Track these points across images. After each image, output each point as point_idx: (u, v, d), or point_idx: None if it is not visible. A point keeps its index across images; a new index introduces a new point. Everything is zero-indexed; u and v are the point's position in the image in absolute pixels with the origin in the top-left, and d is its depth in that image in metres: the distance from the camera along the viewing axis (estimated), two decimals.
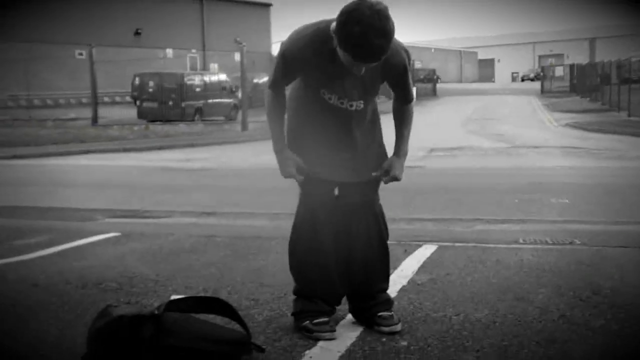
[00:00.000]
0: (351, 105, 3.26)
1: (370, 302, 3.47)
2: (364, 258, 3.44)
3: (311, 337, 3.31)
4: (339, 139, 3.33)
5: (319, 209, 3.36)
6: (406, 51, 3.25)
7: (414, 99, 3.48)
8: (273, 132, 3.34)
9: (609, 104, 31.57)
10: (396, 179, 3.42)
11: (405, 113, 3.46)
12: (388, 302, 3.52)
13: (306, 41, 3.09)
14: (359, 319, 3.52)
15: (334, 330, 3.35)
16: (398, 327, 3.39)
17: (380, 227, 3.50)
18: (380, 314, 3.43)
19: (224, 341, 2.89)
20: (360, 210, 3.42)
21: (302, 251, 3.42)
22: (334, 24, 3.00)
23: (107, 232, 6.32)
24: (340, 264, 3.43)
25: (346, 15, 2.84)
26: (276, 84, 3.26)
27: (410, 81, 3.43)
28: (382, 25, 2.82)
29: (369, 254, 3.45)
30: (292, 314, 3.51)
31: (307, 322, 3.36)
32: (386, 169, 3.40)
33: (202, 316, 3.08)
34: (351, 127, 3.33)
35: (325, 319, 3.37)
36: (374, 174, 3.39)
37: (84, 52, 34.39)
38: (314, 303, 3.41)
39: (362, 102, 3.29)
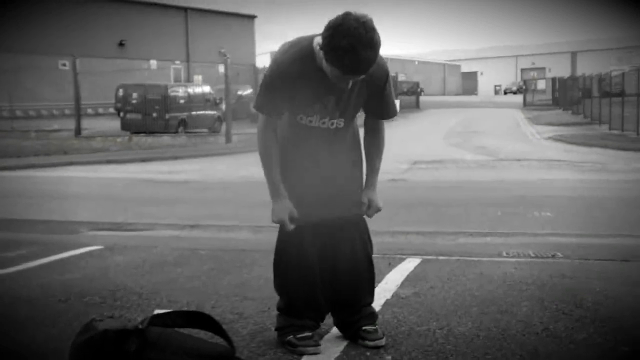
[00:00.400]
0: (332, 124, 3.26)
1: (355, 316, 3.47)
2: (349, 272, 3.43)
3: (295, 351, 3.30)
4: (322, 167, 3.31)
5: (304, 228, 3.34)
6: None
7: (397, 114, 3.49)
8: (268, 177, 3.28)
9: (591, 117, 31.88)
10: (378, 209, 3.47)
11: (380, 135, 3.45)
12: (372, 316, 3.52)
13: (292, 59, 3.10)
14: (344, 333, 3.52)
15: (319, 345, 3.34)
16: (382, 342, 3.40)
17: (364, 241, 3.51)
18: (364, 327, 3.43)
19: (208, 356, 2.87)
20: (345, 226, 3.42)
21: (287, 268, 3.41)
22: (317, 39, 3.03)
23: (90, 245, 6.29)
24: (325, 279, 3.43)
25: (333, 30, 2.85)
26: (263, 108, 3.20)
27: (393, 95, 3.45)
28: (369, 37, 2.84)
29: (354, 268, 3.45)
30: (276, 329, 3.50)
31: (291, 336, 3.35)
32: (368, 204, 3.43)
33: (186, 330, 3.07)
34: (333, 150, 3.32)
35: (309, 334, 3.37)
36: (360, 209, 3.42)
37: (67, 63, 34.28)
38: (297, 318, 3.40)
39: (342, 120, 3.28)
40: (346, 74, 2.95)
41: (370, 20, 2.88)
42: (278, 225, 3.38)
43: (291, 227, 3.26)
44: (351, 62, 2.87)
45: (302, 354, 3.27)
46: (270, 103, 3.18)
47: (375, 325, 3.47)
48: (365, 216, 3.50)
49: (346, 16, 2.86)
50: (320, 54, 2.98)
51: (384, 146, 3.49)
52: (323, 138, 3.27)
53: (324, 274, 3.42)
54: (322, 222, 3.35)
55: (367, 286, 3.53)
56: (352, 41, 2.82)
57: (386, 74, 3.26)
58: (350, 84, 3.06)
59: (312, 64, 3.07)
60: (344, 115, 3.27)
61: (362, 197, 3.42)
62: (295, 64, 3.08)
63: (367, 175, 3.48)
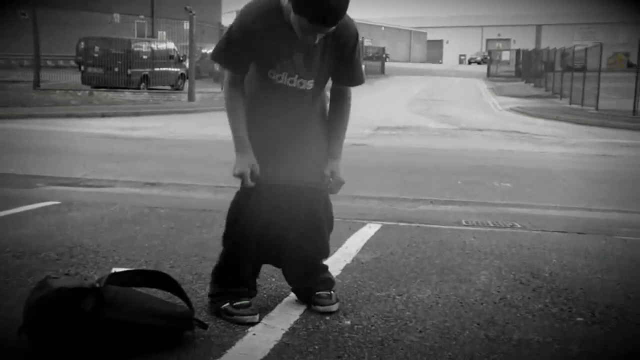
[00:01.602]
0: (301, 84, 3.16)
1: (309, 281, 3.43)
2: (304, 236, 3.37)
3: (231, 320, 3.20)
4: (288, 129, 3.23)
5: (264, 186, 3.22)
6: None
7: (364, 81, 3.41)
8: (234, 132, 3.16)
9: (552, 90, 32.27)
10: (342, 182, 3.36)
11: (346, 103, 3.36)
12: (328, 282, 3.49)
13: (257, 14, 3.01)
14: (300, 298, 3.50)
15: (256, 314, 3.24)
16: (334, 307, 3.38)
17: (324, 205, 3.45)
18: (318, 292, 3.41)
19: (167, 316, 2.85)
20: (306, 193, 3.33)
21: (239, 219, 3.28)
22: None
23: (47, 200, 6.17)
24: (277, 242, 3.35)
25: None
26: (219, 57, 3.12)
27: (361, 59, 3.38)
28: None
29: (309, 230, 3.38)
30: (209, 295, 3.38)
31: (227, 304, 3.24)
32: (328, 176, 3.31)
33: (145, 290, 3.04)
34: (300, 113, 3.23)
35: (247, 302, 3.27)
36: (323, 181, 3.31)
37: (26, 13, 33.35)
38: (235, 285, 3.31)
39: (312, 81, 3.18)
40: (313, 23, 2.84)
41: None
42: (239, 182, 3.29)
43: (251, 183, 3.16)
44: (320, 10, 2.79)
45: (239, 323, 3.17)
46: (234, 58, 3.08)
47: (330, 292, 3.44)
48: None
49: None
50: (288, 7, 2.90)
51: (349, 116, 3.39)
52: (292, 98, 3.18)
53: (277, 236, 3.34)
54: (284, 187, 3.27)
55: (322, 252, 3.48)
56: None
57: (355, 35, 3.18)
58: (318, 39, 2.96)
59: (278, 18, 2.99)
60: (313, 76, 3.18)
61: (325, 169, 3.30)
62: (261, 18, 3.00)
63: (331, 144, 3.34)
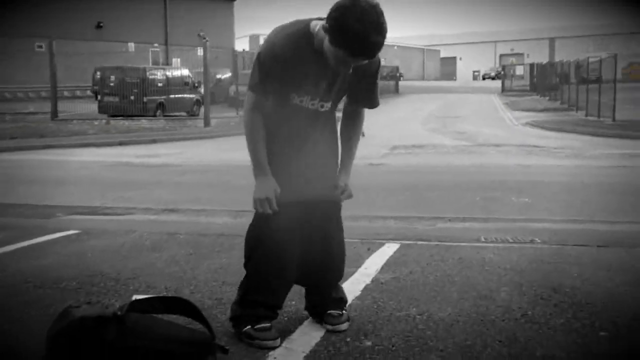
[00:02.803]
0: (321, 106, 3.22)
1: (323, 301, 3.47)
2: (322, 254, 3.40)
3: (252, 344, 3.21)
4: (305, 148, 3.27)
5: (285, 207, 3.24)
6: None
7: (379, 104, 3.45)
8: (254, 155, 3.19)
9: (568, 103, 32.09)
10: (351, 196, 3.44)
11: (360, 121, 3.44)
12: (340, 301, 3.51)
13: (287, 40, 3.04)
14: (313, 316, 3.53)
15: (277, 338, 3.24)
16: (343, 327, 3.40)
17: (339, 225, 3.49)
18: (329, 312, 3.44)
19: (188, 342, 2.86)
20: (322, 208, 3.38)
21: (262, 245, 3.29)
22: (315, 23, 3.01)
23: (67, 229, 6.22)
24: (297, 261, 3.37)
25: (343, 10, 2.81)
26: (256, 88, 3.12)
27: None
28: (380, 22, 2.82)
29: (328, 251, 3.42)
30: (230, 319, 3.39)
31: (249, 327, 3.25)
32: (341, 188, 3.37)
33: (165, 316, 3.05)
34: (316, 133, 3.28)
35: (268, 325, 3.27)
36: (335, 192, 3.37)
37: (43, 45, 33.81)
38: (255, 309, 3.31)
39: (330, 103, 3.25)
40: (355, 57, 2.90)
41: (380, 5, 2.85)
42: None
43: (276, 207, 3.18)
44: (361, 45, 2.84)
45: (260, 348, 3.18)
46: (263, 83, 3.10)
47: (341, 311, 3.47)
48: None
49: (357, 1, 2.81)
50: (321, 35, 2.94)
51: (361, 129, 3.48)
52: (309, 119, 3.22)
53: (300, 254, 3.36)
54: (302, 203, 3.30)
55: (337, 271, 3.51)
56: (364, 25, 2.78)
57: (379, 60, 3.24)
58: (351, 68, 3.01)
59: (307, 46, 3.03)
60: (332, 98, 3.24)
61: (339, 181, 3.38)
62: (290, 45, 3.03)
63: (342, 159, 3.43)
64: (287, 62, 3.04)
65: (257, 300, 3.31)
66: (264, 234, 3.29)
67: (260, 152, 3.19)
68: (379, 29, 2.81)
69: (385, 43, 2.91)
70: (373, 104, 3.38)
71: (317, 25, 3.00)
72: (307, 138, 3.27)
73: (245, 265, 3.40)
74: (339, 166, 3.43)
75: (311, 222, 3.36)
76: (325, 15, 2.95)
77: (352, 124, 3.43)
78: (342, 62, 2.95)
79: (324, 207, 3.38)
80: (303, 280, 3.49)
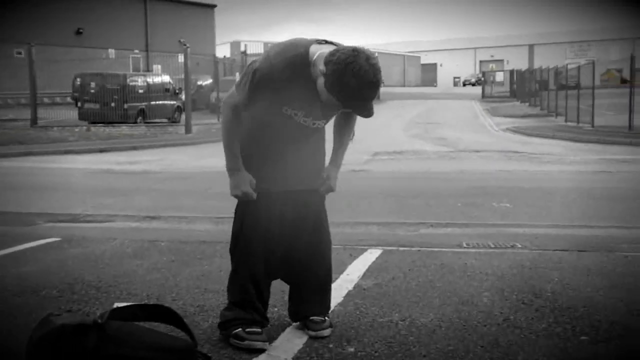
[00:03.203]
0: (314, 124, 3.26)
1: (305, 305, 3.47)
2: (309, 248, 3.44)
3: (241, 345, 3.22)
4: (290, 151, 3.32)
5: (266, 199, 3.30)
6: None
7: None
8: (229, 150, 3.25)
9: (547, 109, 32.38)
10: (332, 189, 3.47)
11: (353, 120, 3.50)
12: (322, 307, 3.51)
13: (285, 64, 3.03)
14: (294, 320, 3.54)
15: (267, 341, 3.27)
16: (325, 332, 3.41)
17: (325, 229, 3.50)
18: (312, 317, 3.44)
19: (170, 350, 2.84)
20: (307, 201, 3.41)
21: (250, 239, 3.33)
22: (314, 49, 3.03)
23: (47, 237, 6.17)
24: (282, 256, 3.41)
25: (343, 66, 2.83)
26: (241, 101, 3.14)
27: None
28: (377, 80, 2.87)
29: (317, 240, 3.45)
30: (220, 324, 3.40)
31: (240, 329, 3.27)
32: (325, 179, 3.43)
33: (147, 324, 3.03)
34: (305, 140, 3.34)
35: (258, 329, 3.30)
36: (318, 184, 3.42)
37: (22, 51, 33.57)
38: (247, 312, 3.33)
39: (324, 121, 3.31)
40: (345, 108, 2.99)
41: (377, 60, 2.91)
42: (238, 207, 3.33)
43: (254, 195, 3.23)
44: (355, 101, 2.90)
45: (249, 348, 3.19)
46: (250, 95, 3.11)
47: (323, 317, 3.47)
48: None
49: (358, 54, 2.85)
50: (317, 71, 2.98)
51: (354, 126, 3.56)
52: (300, 130, 3.27)
53: (284, 249, 3.40)
54: (285, 194, 3.34)
55: (325, 263, 3.51)
56: (361, 84, 2.84)
57: None
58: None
59: (305, 72, 3.05)
60: (326, 117, 3.31)
61: (324, 172, 3.44)
62: (288, 69, 3.03)
63: (334, 151, 3.50)
64: (283, 82, 3.06)
65: (245, 297, 3.32)
66: (245, 221, 3.32)
67: (235, 145, 3.24)
68: (375, 86, 2.87)
69: (365, 50, 2.94)
70: (369, 114, 3.40)
71: (315, 53, 3.02)
72: (296, 141, 3.31)
73: (232, 250, 3.41)
74: (330, 159, 3.51)
75: (297, 213, 3.38)
76: (323, 38, 3.07)
77: (345, 125, 3.51)
78: (332, 104, 3.01)
79: (306, 196, 3.40)
80: (289, 276, 3.49)
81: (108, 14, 44.21)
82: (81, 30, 43.12)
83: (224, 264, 4.71)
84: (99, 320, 2.74)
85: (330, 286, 3.58)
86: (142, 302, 3.90)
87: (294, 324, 3.56)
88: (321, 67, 2.93)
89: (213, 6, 53.59)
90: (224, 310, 3.43)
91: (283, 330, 3.51)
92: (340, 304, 3.94)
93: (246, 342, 3.22)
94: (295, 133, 3.27)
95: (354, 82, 2.83)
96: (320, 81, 2.97)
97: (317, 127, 3.30)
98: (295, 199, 3.37)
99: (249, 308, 3.34)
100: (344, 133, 3.50)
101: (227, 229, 6.15)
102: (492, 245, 5.78)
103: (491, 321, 3.65)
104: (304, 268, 3.45)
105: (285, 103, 3.17)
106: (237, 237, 3.38)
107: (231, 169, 3.27)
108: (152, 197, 9.29)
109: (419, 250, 5.50)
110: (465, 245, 5.81)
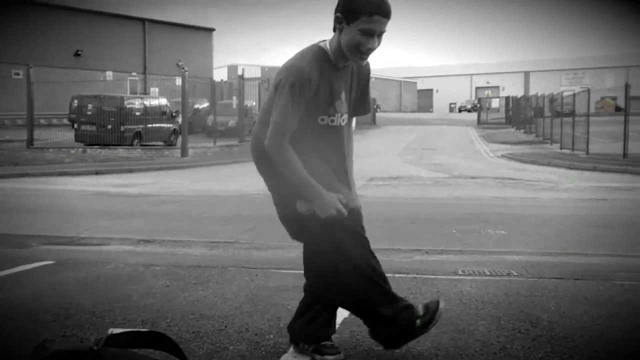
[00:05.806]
0: (343, 121, 3.36)
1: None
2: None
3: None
4: (340, 163, 3.43)
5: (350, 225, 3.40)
6: None
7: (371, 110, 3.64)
8: (304, 185, 3.18)
9: (543, 136, 32.54)
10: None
11: (352, 136, 3.58)
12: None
13: (312, 63, 3.16)
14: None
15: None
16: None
17: None
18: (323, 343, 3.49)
19: None
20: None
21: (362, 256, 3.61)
22: (323, 42, 3.22)
23: (42, 259, 6.14)
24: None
25: None
26: (293, 125, 3.14)
27: None
28: None
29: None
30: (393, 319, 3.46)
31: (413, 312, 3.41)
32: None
33: (143, 350, 3.01)
34: (342, 147, 3.42)
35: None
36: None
37: (20, 72, 33.68)
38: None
39: (347, 115, 3.40)
40: (372, 16, 3.04)
41: None
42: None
43: (345, 211, 3.27)
44: (382, 3, 3.05)
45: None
46: (297, 107, 3.13)
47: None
48: None
49: None
50: (334, 43, 3.16)
51: (352, 147, 3.67)
52: (337, 136, 3.36)
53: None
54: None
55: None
56: None
57: (369, 68, 3.50)
58: (377, 43, 3.12)
59: (326, 62, 3.20)
60: (347, 111, 3.40)
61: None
62: (315, 65, 3.16)
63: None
64: (313, 83, 3.14)
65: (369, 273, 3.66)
66: (344, 247, 3.46)
67: (303, 176, 3.19)
68: None
69: None
70: (366, 110, 3.60)
71: (326, 43, 3.21)
72: (341, 154, 3.42)
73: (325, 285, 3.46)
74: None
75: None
76: (321, 39, 3.24)
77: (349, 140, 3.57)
78: (360, 43, 3.08)
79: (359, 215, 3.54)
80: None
81: (107, 36, 44.47)
82: (79, 52, 43.33)
83: (219, 289, 4.69)
84: (95, 347, 2.71)
85: None
86: (138, 328, 3.87)
87: (290, 349, 3.54)
88: (337, 16, 3.10)
89: (211, 30, 53.92)
90: (384, 307, 3.46)
91: (279, 357, 3.49)
92: (336, 332, 3.92)
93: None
94: (336, 140, 3.36)
95: None
96: (342, 37, 3.11)
97: (345, 125, 3.39)
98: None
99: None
100: (350, 154, 3.60)
101: (221, 253, 6.14)
102: (488, 273, 5.77)
103: (488, 350, 3.63)
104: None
105: (322, 111, 3.23)
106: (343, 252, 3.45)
107: (313, 197, 3.21)
108: (147, 221, 9.27)
109: (414, 278, 5.49)
110: (461, 272, 5.80)
